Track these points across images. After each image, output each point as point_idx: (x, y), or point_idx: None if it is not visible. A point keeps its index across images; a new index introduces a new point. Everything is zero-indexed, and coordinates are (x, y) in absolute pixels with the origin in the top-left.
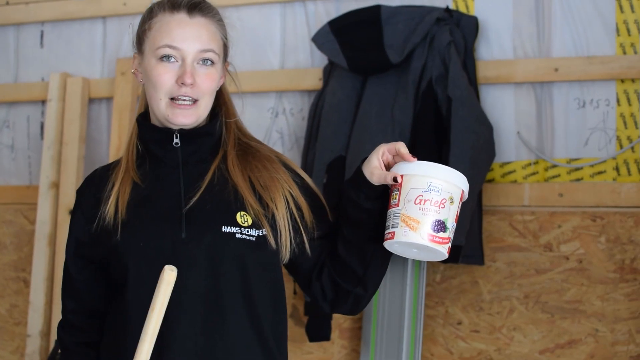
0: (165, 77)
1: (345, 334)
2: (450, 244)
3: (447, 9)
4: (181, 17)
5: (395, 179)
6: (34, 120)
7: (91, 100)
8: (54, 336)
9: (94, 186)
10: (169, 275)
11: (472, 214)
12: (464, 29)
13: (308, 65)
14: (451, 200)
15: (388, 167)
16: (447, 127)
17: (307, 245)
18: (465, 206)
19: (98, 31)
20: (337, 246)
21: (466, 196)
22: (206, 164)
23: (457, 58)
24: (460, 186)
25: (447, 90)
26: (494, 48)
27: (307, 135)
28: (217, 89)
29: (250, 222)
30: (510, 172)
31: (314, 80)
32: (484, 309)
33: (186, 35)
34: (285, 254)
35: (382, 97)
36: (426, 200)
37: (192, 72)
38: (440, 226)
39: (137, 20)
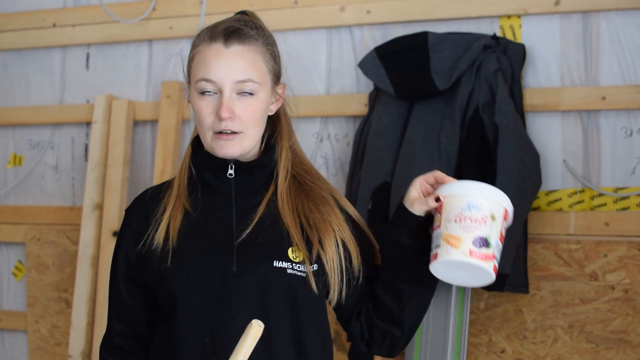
0: (205, 112)
1: None
2: (495, 263)
3: (494, 36)
4: (217, 48)
5: (437, 199)
6: (78, 141)
7: (136, 123)
8: (95, 357)
9: (144, 207)
10: (256, 331)
11: (517, 242)
12: (511, 57)
13: (354, 90)
14: (492, 217)
15: None
16: (494, 155)
17: (344, 288)
18: (511, 234)
19: (144, 54)
20: (377, 287)
21: (510, 216)
22: (259, 197)
23: (504, 85)
24: (501, 204)
25: (493, 117)
26: (541, 76)
27: (352, 161)
28: (267, 115)
29: (301, 258)
30: (556, 201)
31: (360, 106)
32: (528, 338)
33: (221, 66)
34: (334, 296)
35: (428, 124)
36: (466, 218)
37: (230, 105)
38: (483, 242)
39: (182, 45)
